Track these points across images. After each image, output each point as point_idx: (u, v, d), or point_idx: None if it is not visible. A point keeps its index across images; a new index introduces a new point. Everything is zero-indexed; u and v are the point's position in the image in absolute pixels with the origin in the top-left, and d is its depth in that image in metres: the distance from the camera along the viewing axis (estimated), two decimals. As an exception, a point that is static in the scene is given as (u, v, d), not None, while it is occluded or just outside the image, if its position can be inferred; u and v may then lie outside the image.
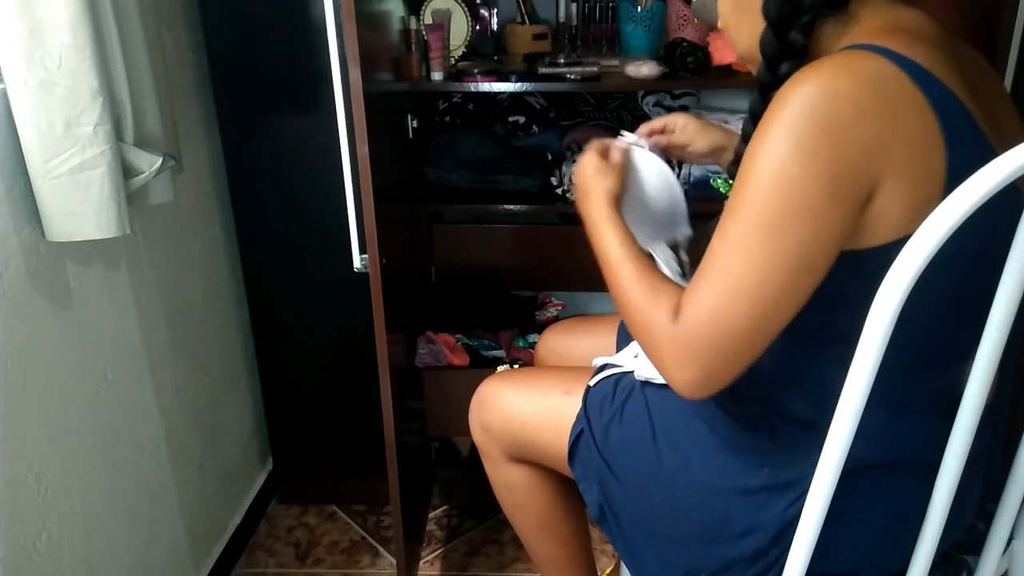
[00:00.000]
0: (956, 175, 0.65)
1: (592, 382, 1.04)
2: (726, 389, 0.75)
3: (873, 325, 0.66)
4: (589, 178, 0.96)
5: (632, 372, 1.02)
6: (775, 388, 0.84)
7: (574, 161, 1.72)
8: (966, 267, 0.72)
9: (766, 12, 0.78)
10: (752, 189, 0.69)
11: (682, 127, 1.13)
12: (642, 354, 1.00)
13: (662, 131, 1.13)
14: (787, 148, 0.67)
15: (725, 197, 1.03)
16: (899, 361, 0.70)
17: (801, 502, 0.79)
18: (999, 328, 0.69)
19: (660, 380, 0.96)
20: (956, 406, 0.75)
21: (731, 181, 1.01)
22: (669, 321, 0.75)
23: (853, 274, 0.71)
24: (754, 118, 0.88)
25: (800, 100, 0.67)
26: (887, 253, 0.66)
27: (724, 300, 0.71)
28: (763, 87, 0.82)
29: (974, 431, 0.74)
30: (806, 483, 0.78)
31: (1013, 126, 0.80)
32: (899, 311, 0.65)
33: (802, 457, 0.80)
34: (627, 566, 1.00)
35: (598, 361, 1.08)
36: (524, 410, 1.09)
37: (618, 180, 0.96)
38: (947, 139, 0.68)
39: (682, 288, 0.78)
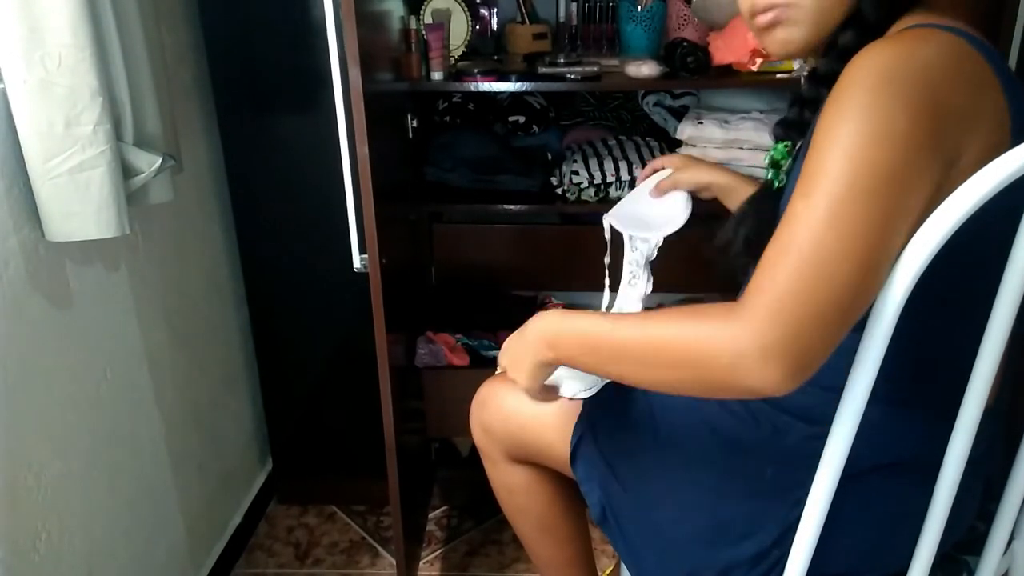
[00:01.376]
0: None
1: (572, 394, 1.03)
2: None
3: (874, 325, 0.66)
4: (518, 343, 0.88)
5: None
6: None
7: (575, 161, 1.72)
8: (969, 264, 0.72)
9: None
10: (848, 152, 0.63)
11: (668, 163, 1.23)
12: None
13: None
14: (890, 103, 0.63)
15: (776, 163, 0.93)
16: (900, 360, 0.69)
17: (802, 504, 0.78)
18: (1000, 328, 0.69)
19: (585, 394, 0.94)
20: (956, 406, 0.75)
21: (773, 167, 0.93)
22: (726, 319, 0.65)
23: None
24: (802, 104, 0.86)
25: (889, 62, 0.65)
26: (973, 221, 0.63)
27: (816, 272, 0.62)
28: (823, 77, 0.80)
29: (975, 432, 0.74)
30: (810, 484, 0.77)
31: None
32: (900, 311, 0.65)
33: (807, 459, 0.80)
34: (628, 568, 1.00)
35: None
36: (525, 411, 1.09)
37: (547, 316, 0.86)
38: (1012, 117, 0.67)
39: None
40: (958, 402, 0.75)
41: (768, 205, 0.87)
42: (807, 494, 0.77)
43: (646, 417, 0.96)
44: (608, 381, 1.00)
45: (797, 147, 0.89)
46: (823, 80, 0.79)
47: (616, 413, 0.98)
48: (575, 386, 0.99)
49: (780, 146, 0.92)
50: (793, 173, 0.83)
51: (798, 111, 0.87)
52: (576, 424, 1.02)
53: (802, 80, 0.86)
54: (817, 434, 0.77)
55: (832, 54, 0.78)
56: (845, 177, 0.63)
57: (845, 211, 0.63)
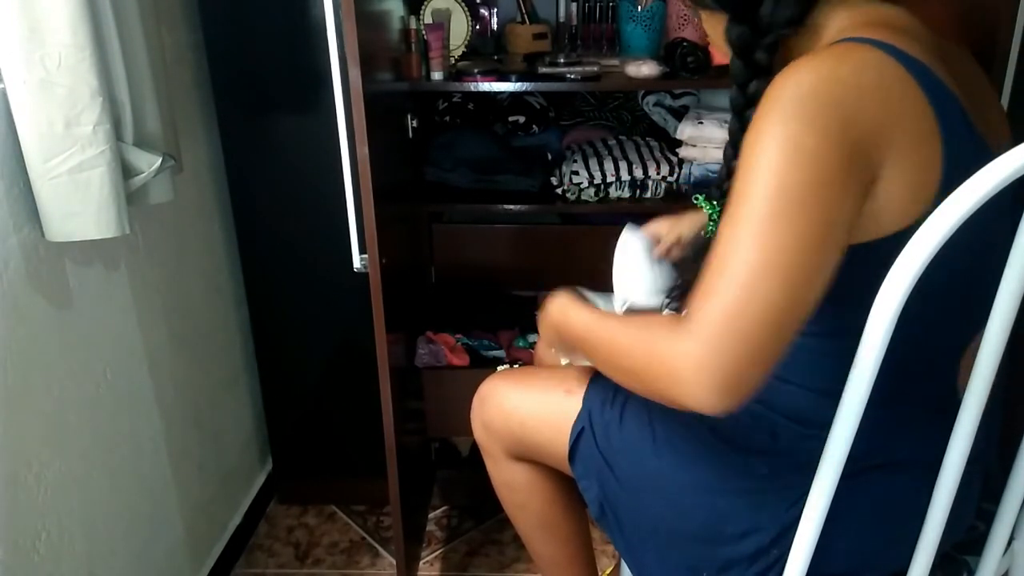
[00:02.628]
0: (952, 166, 0.66)
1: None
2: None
3: (875, 325, 0.66)
4: (544, 322, 0.98)
5: None
6: (777, 386, 0.83)
7: (575, 161, 1.72)
8: (964, 266, 0.72)
9: (729, 40, 0.79)
10: (763, 174, 0.66)
11: (661, 230, 1.22)
12: None
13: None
14: (798, 124, 0.65)
15: (711, 216, 1.07)
16: (898, 359, 0.70)
17: (802, 503, 0.79)
18: (1000, 329, 0.69)
19: None
20: (952, 404, 0.75)
21: (709, 200, 1.05)
22: (671, 331, 0.68)
23: (852, 269, 0.69)
24: (742, 125, 0.87)
25: (805, 83, 0.66)
26: (888, 246, 0.66)
27: (747, 286, 0.64)
28: (736, 108, 0.83)
29: (975, 432, 0.74)
30: (808, 484, 0.78)
31: (1003, 130, 0.80)
32: (900, 311, 0.65)
33: (804, 458, 0.80)
34: (627, 565, 1.00)
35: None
36: (525, 408, 1.09)
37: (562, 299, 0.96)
38: (943, 129, 0.67)
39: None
40: (954, 400, 0.75)
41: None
42: (804, 494, 0.78)
43: (643, 415, 0.96)
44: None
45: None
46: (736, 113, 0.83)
47: (614, 411, 0.99)
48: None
49: (702, 201, 1.05)
50: None
51: (730, 150, 0.92)
52: (575, 422, 1.02)
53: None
54: (811, 435, 0.78)
55: (738, 93, 0.81)
56: (762, 199, 0.65)
57: (765, 231, 0.64)
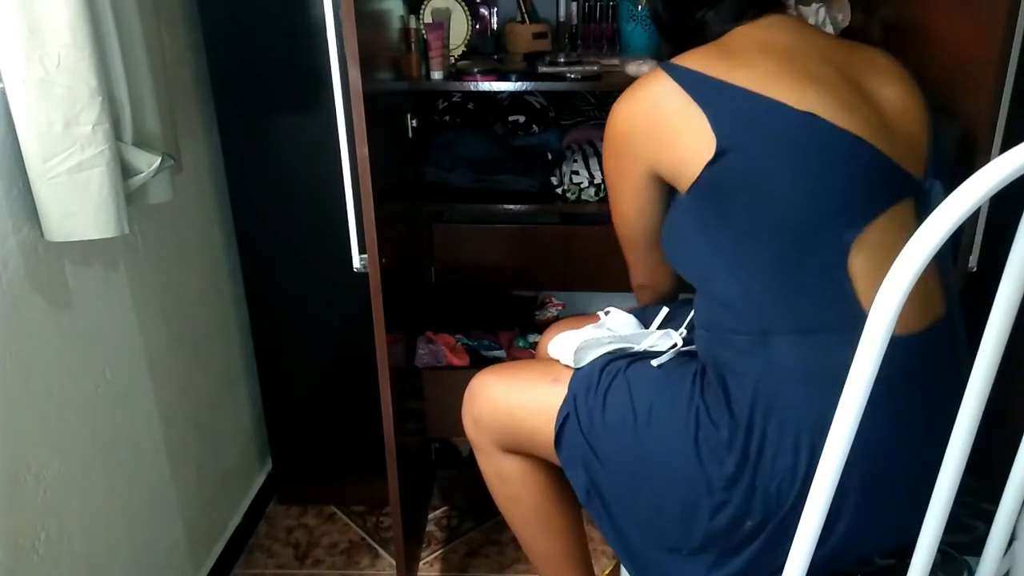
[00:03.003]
0: (718, 123, 0.88)
1: (580, 364, 1.07)
2: (704, 359, 0.97)
3: (874, 326, 0.66)
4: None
5: (617, 358, 1.05)
6: (706, 336, 0.97)
7: (575, 160, 1.72)
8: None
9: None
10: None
11: None
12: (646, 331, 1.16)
13: None
14: (605, 150, 1.04)
15: None
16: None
17: (756, 464, 0.88)
18: (1000, 331, 0.69)
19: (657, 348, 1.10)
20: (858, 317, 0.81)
21: None
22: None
23: (693, 206, 0.93)
24: None
25: (612, 112, 0.99)
26: (700, 181, 0.90)
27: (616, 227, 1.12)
28: None
29: (975, 433, 0.74)
30: (758, 446, 0.87)
31: (891, 94, 0.95)
32: (898, 313, 0.65)
33: (752, 421, 0.88)
34: (613, 547, 1.04)
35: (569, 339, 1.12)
36: (512, 399, 1.11)
37: None
38: (701, 104, 0.89)
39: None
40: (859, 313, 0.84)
41: None
42: (757, 455, 0.87)
43: (626, 399, 0.99)
44: (592, 359, 1.08)
45: None
46: None
47: (598, 397, 1.01)
48: (564, 354, 1.09)
49: None
50: None
51: None
52: (560, 408, 1.05)
53: None
54: (761, 392, 0.88)
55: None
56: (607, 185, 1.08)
57: (612, 198, 1.08)
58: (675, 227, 1.00)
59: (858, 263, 0.86)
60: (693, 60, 0.93)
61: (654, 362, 1.02)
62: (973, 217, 1.05)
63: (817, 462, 0.72)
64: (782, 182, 0.87)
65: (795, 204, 0.87)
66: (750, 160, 0.88)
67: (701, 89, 0.91)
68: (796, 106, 0.87)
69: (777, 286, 0.89)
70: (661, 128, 0.94)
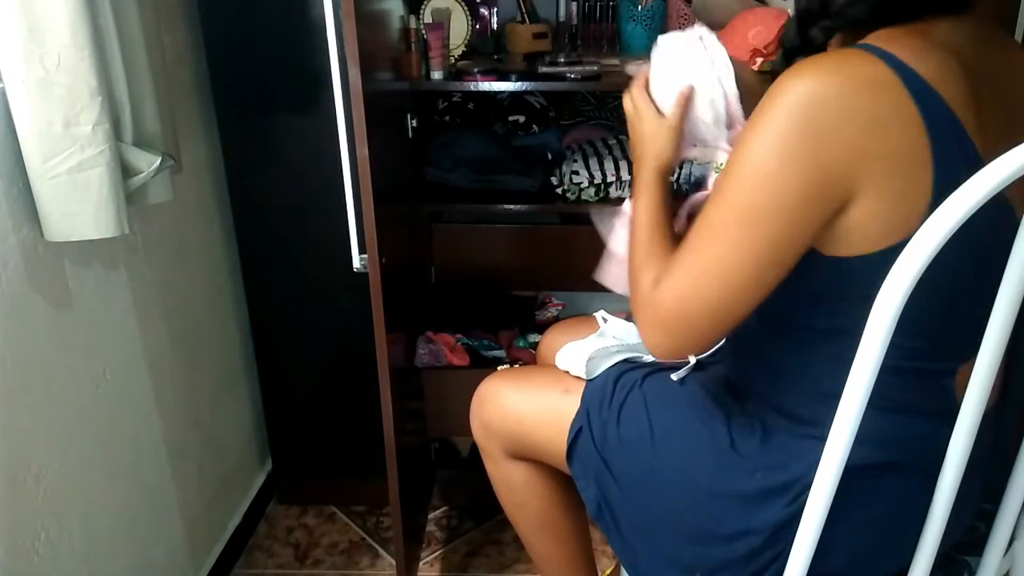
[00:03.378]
0: (943, 190, 0.64)
1: (592, 375, 1.05)
2: (728, 387, 0.80)
3: (873, 328, 0.66)
4: (645, 137, 0.93)
5: (630, 370, 1.02)
6: (767, 382, 0.85)
7: (575, 160, 1.72)
8: (962, 271, 0.72)
9: (796, 7, 0.79)
10: (733, 179, 0.71)
11: None
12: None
13: None
14: (769, 144, 0.68)
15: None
16: (896, 363, 0.70)
17: (795, 504, 0.80)
18: (1000, 332, 0.69)
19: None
20: (953, 408, 0.75)
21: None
22: (650, 288, 0.80)
23: (841, 280, 0.72)
24: None
25: (788, 97, 0.68)
26: (874, 262, 0.67)
27: (694, 281, 0.75)
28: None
29: (974, 435, 0.74)
30: (799, 485, 0.79)
31: None
32: (898, 315, 0.65)
33: (795, 460, 0.81)
34: (623, 564, 1.01)
35: (572, 350, 1.08)
36: (523, 407, 1.09)
37: (671, 145, 0.92)
38: (935, 154, 0.67)
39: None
40: (954, 404, 0.75)
41: None
42: (799, 495, 0.79)
43: (641, 415, 0.96)
44: (603, 369, 1.04)
45: None
46: None
47: (612, 410, 0.99)
48: (574, 365, 1.06)
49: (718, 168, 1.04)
50: None
51: None
52: (573, 420, 1.02)
53: None
54: (806, 435, 0.79)
55: (780, 61, 0.84)
56: (727, 204, 0.72)
57: (724, 234, 0.72)
58: (802, 283, 0.74)
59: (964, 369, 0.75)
60: (929, 69, 0.68)
61: (674, 376, 0.98)
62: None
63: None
64: (944, 281, 0.69)
65: (947, 299, 0.73)
66: (939, 256, 0.64)
67: (936, 117, 0.67)
68: (1007, 194, 0.67)
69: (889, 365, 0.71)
70: (882, 139, 0.67)
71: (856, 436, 0.71)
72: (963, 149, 0.69)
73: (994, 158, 0.62)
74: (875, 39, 0.72)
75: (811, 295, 0.75)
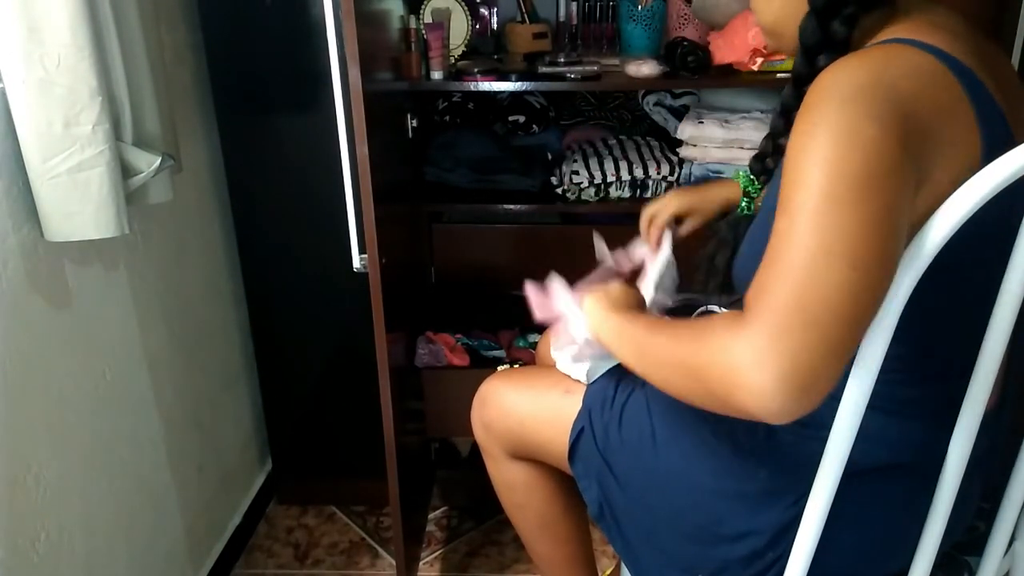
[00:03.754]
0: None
1: (593, 379, 1.04)
2: None
3: (874, 330, 0.65)
4: (596, 314, 0.88)
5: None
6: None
7: (575, 161, 1.72)
8: (967, 270, 0.72)
9: (812, 3, 0.75)
10: (819, 162, 0.62)
11: (658, 210, 1.21)
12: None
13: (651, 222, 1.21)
14: (855, 113, 0.62)
15: (746, 191, 1.06)
16: (897, 366, 0.69)
17: (797, 506, 0.79)
18: (1000, 333, 0.69)
19: None
20: (955, 411, 0.75)
21: (751, 175, 1.03)
22: (727, 335, 0.63)
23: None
24: (785, 112, 0.89)
25: (856, 77, 0.65)
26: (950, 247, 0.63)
27: (805, 276, 0.60)
28: (798, 79, 0.79)
29: (974, 436, 0.74)
30: (802, 487, 0.78)
31: None
32: (899, 317, 0.65)
33: (798, 461, 0.81)
34: (625, 564, 1.01)
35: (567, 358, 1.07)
36: (524, 408, 1.09)
37: (623, 294, 0.91)
38: (983, 133, 0.66)
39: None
40: (957, 410, 0.75)
41: (744, 230, 0.89)
42: (802, 496, 0.78)
43: (643, 416, 0.96)
44: (600, 374, 1.03)
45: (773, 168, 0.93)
46: (800, 84, 0.79)
47: (614, 411, 0.99)
48: (574, 369, 1.05)
49: (741, 175, 1.03)
50: (769, 192, 0.83)
51: (782, 120, 0.91)
52: (575, 421, 1.02)
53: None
54: (811, 436, 0.78)
55: (802, 61, 0.78)
56: (820, 187, 0.61)
57: (825, 220, 0.61)
58: None
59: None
60: (953, 48, 0.68)
61: None
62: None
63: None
64: (981, 273, 0.68)
65: (959, 310, 0.73)
66: (989, 228, 0.64)
67: (981, 100, 0.67)
68: (1012, 125, 0.69)
69: (903, 368, 0.72)
70: (944, 121, 0.65)
71: (858, 437, 0.71)
72: (1005, 129, 0.68)
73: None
74: (901, 33, 0.71)
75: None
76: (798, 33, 0.77)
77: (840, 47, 0.75)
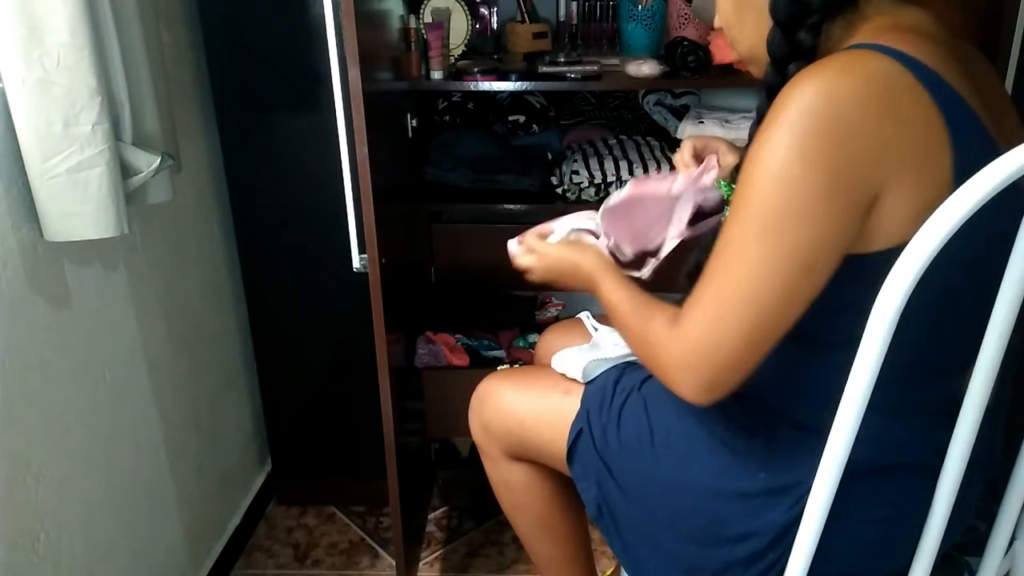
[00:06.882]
0: (962, 173, 0.64)
1: (589, 379, 1.04)
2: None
3: (873, 330, 0.65)
4: (563, 262, 0.99)
5: (630, 372, 1.02)
6: (775, 392, 0.84)
7: (575, 160, 1.72)
8: (965, 271, 0.71)
9: (774, 11, 0.76)
10: (752, 191, 0.69)
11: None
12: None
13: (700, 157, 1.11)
14: (788, 148, 0.67)
15: (726, 201, 1.06)
16: (897, 366, 0.69)
17: (798, 507, 0.79)
18: (1000, 332, 0.69)
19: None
20: (954, 409, 0.75)
21: (733, 185, 1.03)
22: (666, 329, 0.76)
23: (857, 278, 0.70)
24: (760, 120, 0.89)
25: (802, 100, 0.67)
26: (893, 257, 0.65)
27: (724, 304, 0.71)
28: (770, 89, 0.80)
29: (975, 435, 0.74)
30: (802, 487, 0.78)
31: (1012, 125, 0.80)
32: (898, 316, 0.65)
33: (798, 462, 0.81)
34: (624, 566, 1.00)
35: (566, 357, 1.08)
36: (523, 408, 1.09)
37: (596, 253, 0.96)
38: (952, 137, 0.67)
39: (676, 306, 0.78)
40: (956, 405, 0.75)
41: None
42: (800, 497, 0.78)
43: (642, 417, 0.96)
44: (601, 371, 1.03)
45: None
46: (772, 94, 0.79)
47: (612, 413, 0.99)
48: (571, 369, 1.05)
49: (723, 185, 1.02)
50: None
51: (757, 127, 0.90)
52: (573, 422, 1.02)
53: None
54: (809, 438, 0.78)
55: (772, 71, 0.79)
56: (749, 217, 0.69)
57: (748, 250, 0.69)
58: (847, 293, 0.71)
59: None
60: (931, 57, 0.69)
61: None
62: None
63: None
64: (953, 258, 0.66)
65: (958, 311, 0.72)
66: (963, 244, 0.64)
67: (949, 103, 0.68)
68: (987, 125, 0.70)
69: (899, 368, 0.70)
70: (901, 127, 0.67)
71: (859, 437, 0.71)
72: (978, 133, 0.69)
73: (1000, 145, 0.62)
74: (867, 37, 0.73)
75: (832, 305, 0.71)
76: (766, 47, 0.78)
77: (808, 55, 0.76)
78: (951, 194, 0.63)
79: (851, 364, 0.69)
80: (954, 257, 0.64)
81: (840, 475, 0.73)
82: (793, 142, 0.66)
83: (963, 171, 0.65)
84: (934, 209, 0.63)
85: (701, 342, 0.73)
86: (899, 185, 0.67)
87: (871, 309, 0.66)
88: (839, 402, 0.71)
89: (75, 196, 1.02)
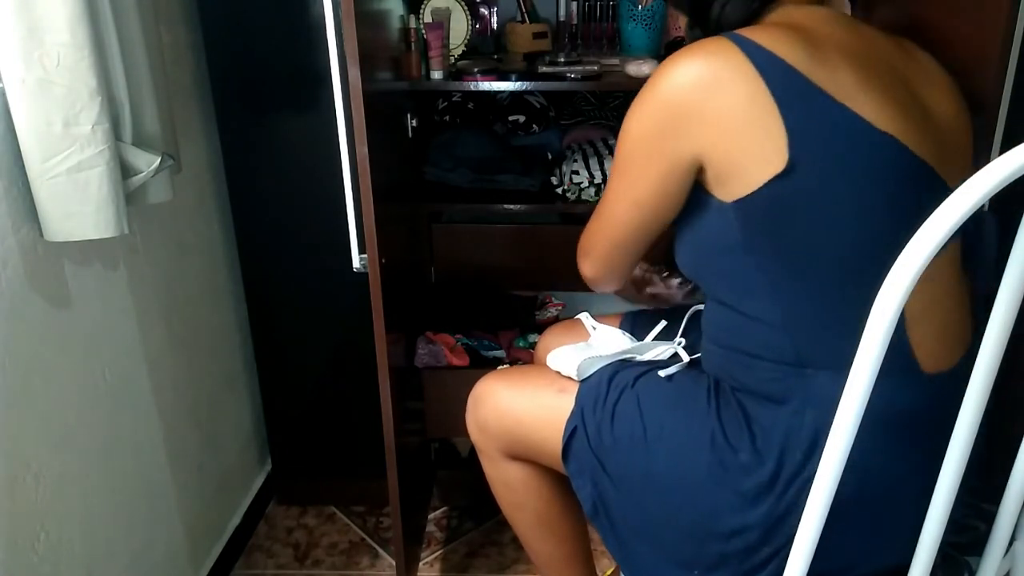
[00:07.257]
0: (793, 127, 0.78)
1: (584, 376, 1.05)
2: (713, 375, 0.94)
3: (873, 331, 0.66)
4: None
5: (624, 369, 1.03)
6: (735, 368, 0.91)
7: (575, 160, 1.72)
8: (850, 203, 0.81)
9: (688, 39, 0.97)
10: (618, 146, 0.90)
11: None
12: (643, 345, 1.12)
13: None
14: (635, 111, 0.86)
15: None
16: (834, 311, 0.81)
17: (786, 497, 0.82)
18: (1000, 332, 0.69)
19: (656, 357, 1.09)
20: (912, 367, 0.81)
21: None
22: (580, 256, 1.04)
23: (751, 214, 0.82)
24: None
25: (655, 76, 0.84)
26: (765, 192, 0.80)
27: (596, 221, 0.98)
28: None
29: (975, 435, 0.74)
30: (788, 472, 0.82)
31: (945, 108, 0.89)
32: (897, 317, 0.65)
33: (781, 444, 0.83)
34: (619, 563, 1.02)
35: (562, 355, 1.10)
36: (518, 407, 1.10)
37: None
38: (777, 100, 0.78)
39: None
40: (913, 365, 0.82)
41: None
42: (790, 484, 0.82)
43: (635, 414, 0.97)
44: (595, 369, 1.06)
45: None
46: None
47: (606, 410, 1.00)
48: (566, 367, 1.07)
49: None
50: None
51: None
52: (568, 420, 1.03)
53: None
54: (789, 412, 0.83)
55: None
56: (614, 164, 0.92)
57: (608, 186, 0.94)
58: (710, 235, 0.88)
59: (909, 303, 0.77)
60: (768, 39, 0.81)
61: (661, 372, 0.99)
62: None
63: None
64: (850, 210, 0.80)
65: (860, 235, 0.81)
66: (822, 181, 0.79)
67: (782, 82, 0.79)
68: (877, 126, 0.79)
69: (824, 317, 0.82)
70: (725, 113, 0.80)
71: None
72: (808, 93, 0.79)
73: (862, 103, 0.79)
74: (744, 32, 0.85)
75: (721, 251, 0.86)
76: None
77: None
78: (790, 145, 0.78)
79: (781, 276, 0.83)
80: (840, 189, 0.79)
81: (840, 475, 0.73)
82: (639, 107, 0.86)
83: (795, 126, 0.78)
84: (775, 159, 0.78)
85: (587, 241, 1.01)
86: (728, 143, 0.81)
87: (765, 252, 0.82)
88: (791, 364, 0.83)
89: (75, 196, 1.02)
